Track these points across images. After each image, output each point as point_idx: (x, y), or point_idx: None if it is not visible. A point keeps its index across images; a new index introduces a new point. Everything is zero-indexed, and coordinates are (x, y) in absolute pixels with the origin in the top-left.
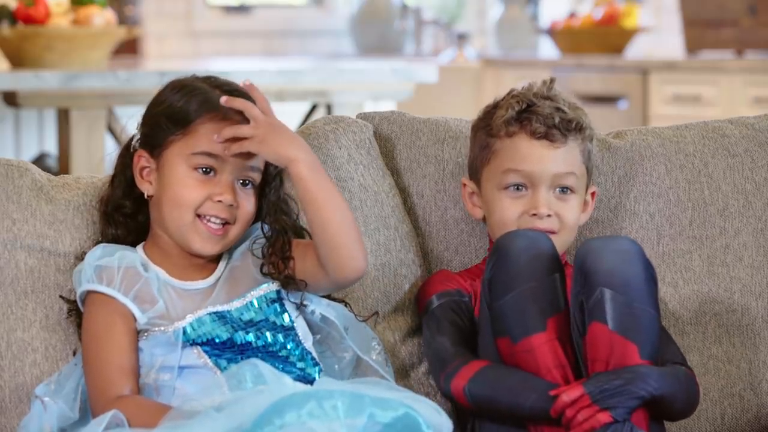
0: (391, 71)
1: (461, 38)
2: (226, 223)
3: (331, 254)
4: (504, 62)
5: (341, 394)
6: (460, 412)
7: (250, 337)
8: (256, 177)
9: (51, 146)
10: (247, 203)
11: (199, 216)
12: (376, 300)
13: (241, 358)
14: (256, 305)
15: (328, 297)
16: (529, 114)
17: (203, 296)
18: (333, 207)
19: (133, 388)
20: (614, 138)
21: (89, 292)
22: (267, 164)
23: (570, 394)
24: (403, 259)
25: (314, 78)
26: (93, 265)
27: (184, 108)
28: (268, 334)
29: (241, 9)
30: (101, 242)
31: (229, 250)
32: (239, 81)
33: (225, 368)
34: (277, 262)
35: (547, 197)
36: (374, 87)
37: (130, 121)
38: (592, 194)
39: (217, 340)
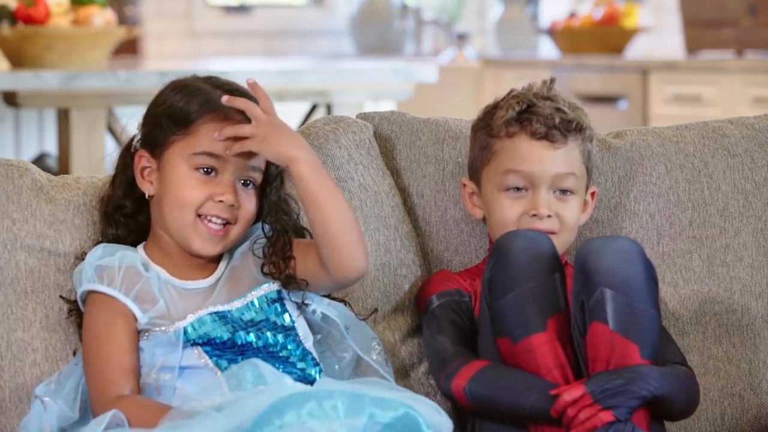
0: (391, 71)
1: (461, 38)
2: (227, 223)
3: (333, 254)
4: (504, 62)
5: (341, 394)
6: (460, 412)
7: (251, 337)
8: (258, 177)
9: (51, 146)
10: (249, 203)
11: (200, 216)
12: (376, 300)
13: (242, 359)
14: (257, 305)
15: (328, 297)
16: (529, 114)
17: (204, 296)
18: (334, 207)
19: (134, 388)
20: (614, 138)
21: (90, 292)
22: (268, 164)
23: (571, 393)
24: (403, 259)
25: (314, 78)
26: (94, 265)
27: (185, 108)
28: (268, 334)
29: (241, 9)
30: (102, 242)
31: (230, 250)
32: (240, 81)
33: (225, 369)
34: (278, 262)
35: (547, 198)
36: (374, 87)
37: (131, 121)
38: (592, 194)
39: (217, 341)
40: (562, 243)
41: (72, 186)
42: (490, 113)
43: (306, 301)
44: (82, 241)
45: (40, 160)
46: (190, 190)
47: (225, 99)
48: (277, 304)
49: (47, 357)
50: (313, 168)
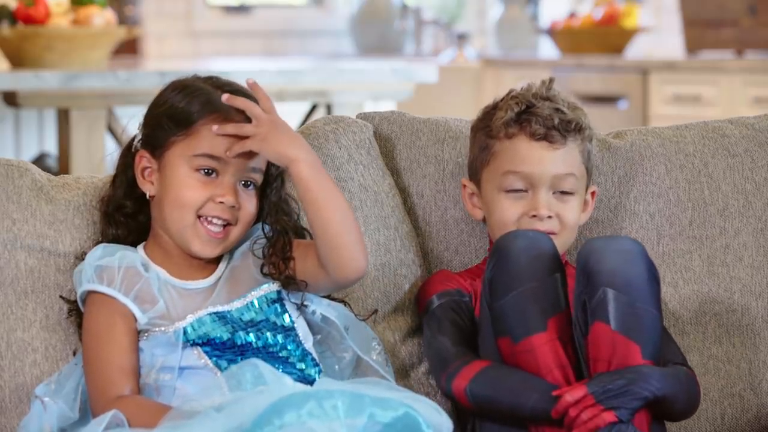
0: (391, 71)
1: (461, 38)
2: (227, 224)
3: (332, 254)
4: (504, 62)
5: (341, 394)
6: (460, 412)
7: (251, 337)
8: (258, 178)
9: (51, 146)
10: (249, 204)
11: (200, 217)
12: (376, 300)
13: (242, 359)
14: (257, 305)
15: (328, 297)
16: (528, 115)
17: (204, 296)
18: (334, 207)
19: (134, 388)
20: (614, 138)
21: (90, 292)
22: (268, 165)
23: (573, 394)
24: (403, 259)
25: (314, 78)
26: (93, 265)
27: (186, 109)
28: (268, 334)
29: (241, 9)
30: (102, 242)
31: (230, 251)
32: (240, 81)
33: (225, 369)
34: (278, 263)
35: (547, 198)
36: (374, 87)
37: (131, 121)
38: (592, 194)
39: (217, 341)
40: (562, 243)
41: (72, 186)
42: (489, 114)
43: (305, 302)
44: (82, 241)
45: (40, 160)
46: (191, 191)
47: (225, 97)
48: (277, 305)
49: (47, 357)
50: (313, 168)
